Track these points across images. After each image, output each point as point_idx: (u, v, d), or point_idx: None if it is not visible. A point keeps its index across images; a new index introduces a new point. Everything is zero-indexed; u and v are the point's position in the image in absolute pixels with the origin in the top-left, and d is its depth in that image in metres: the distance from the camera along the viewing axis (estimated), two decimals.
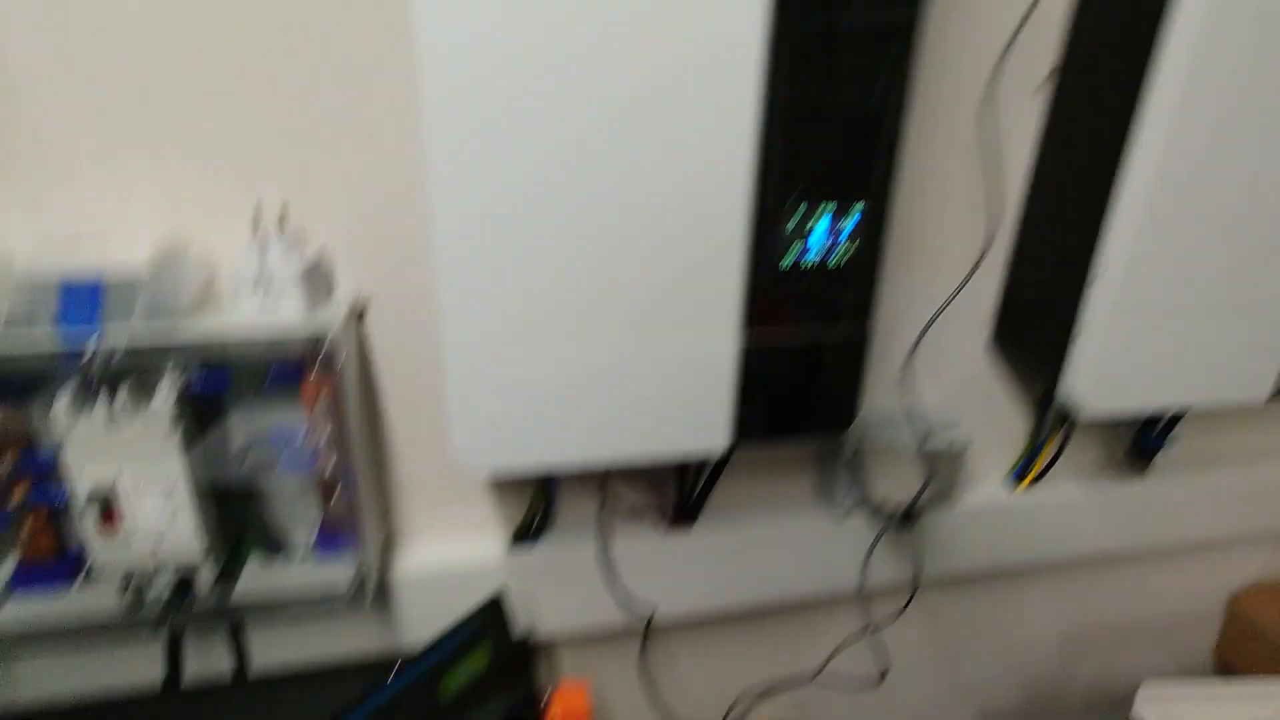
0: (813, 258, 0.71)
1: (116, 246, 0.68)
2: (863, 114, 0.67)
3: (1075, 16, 0.81)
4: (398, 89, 0.70)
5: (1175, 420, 1.06)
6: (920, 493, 0.89)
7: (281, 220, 0.71)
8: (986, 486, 1.06)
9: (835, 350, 0.76)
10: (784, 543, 0.97)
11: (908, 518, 0.97)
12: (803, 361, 0.75)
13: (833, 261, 0.72)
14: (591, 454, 0.74)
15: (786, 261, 0.71)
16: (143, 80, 0.66)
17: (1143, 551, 1.14)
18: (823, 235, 0.71)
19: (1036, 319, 0.90)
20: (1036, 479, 1.05)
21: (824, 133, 0.67)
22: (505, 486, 0.89)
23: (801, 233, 0.70)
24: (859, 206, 0.70)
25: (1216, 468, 1.11)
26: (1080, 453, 1.08)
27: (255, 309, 0.69)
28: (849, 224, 0.71)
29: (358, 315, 0.78)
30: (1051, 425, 1.01)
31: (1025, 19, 0.78)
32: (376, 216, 0.75)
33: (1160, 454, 1.07)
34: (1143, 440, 1.06)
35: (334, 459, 0.75)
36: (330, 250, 0.75)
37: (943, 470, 0.95)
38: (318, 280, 0.72)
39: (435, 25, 0.57)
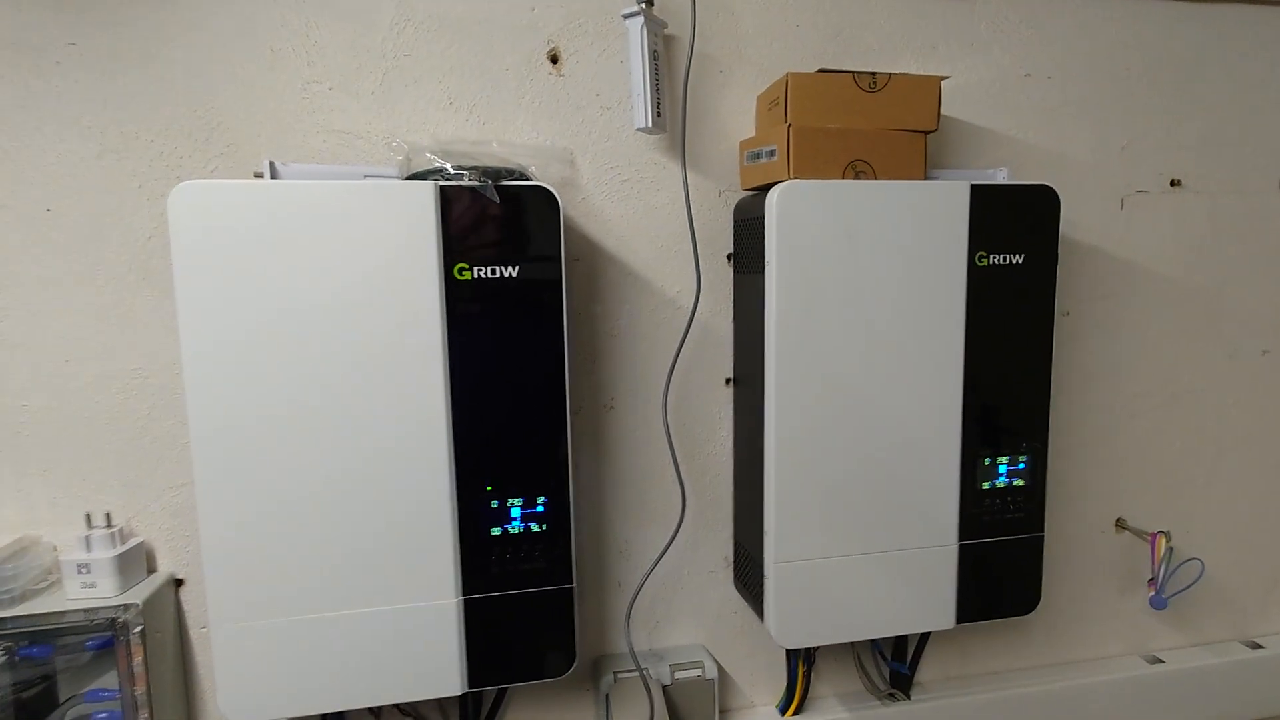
0: (516, 527, 0.92)
1: None
2: (533, 428, 0.91)
3: (735, 338, 1.10)
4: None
5: (922, 645, 1.21)
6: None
7: (107, 521, 0.93)
8: (759, 715, 1.18)
9: (545, 603, 0.94)
10: None
11: None
12: (519, 614, 0.93)
13: (534, 530, 0.93)
14: (340, 702, 0.90)
15: (495, 531, 0.92)
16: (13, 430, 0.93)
17: None
18: (518, 518, 0.92)
19: (748, 566, 1.09)
20: (799, 708, 1.18)
21: (502, 445, 0.91)
22: None
23: (503, 514, 0.92)
24: (541, 499, 0.92)
25: (972, 687, 1.23)
26: (845, 680, 1.22)
27: (78, 588, 0.90)
28: (538, 509, 0.92)
29: (175, 588, 0.99)
30: (800, 657, 1.16)
31: (683, 341, 1.06)
32: (184, 518, 0.97)
33: (913, 677, 1.21)
34: (890, 666, 1.20)
35: (148, 713, 0.92)
36: (152, 541, 0.97)
37: (691, 700, 1.09)
38: (133, 565, 0.93)
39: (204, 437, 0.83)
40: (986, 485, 1.05)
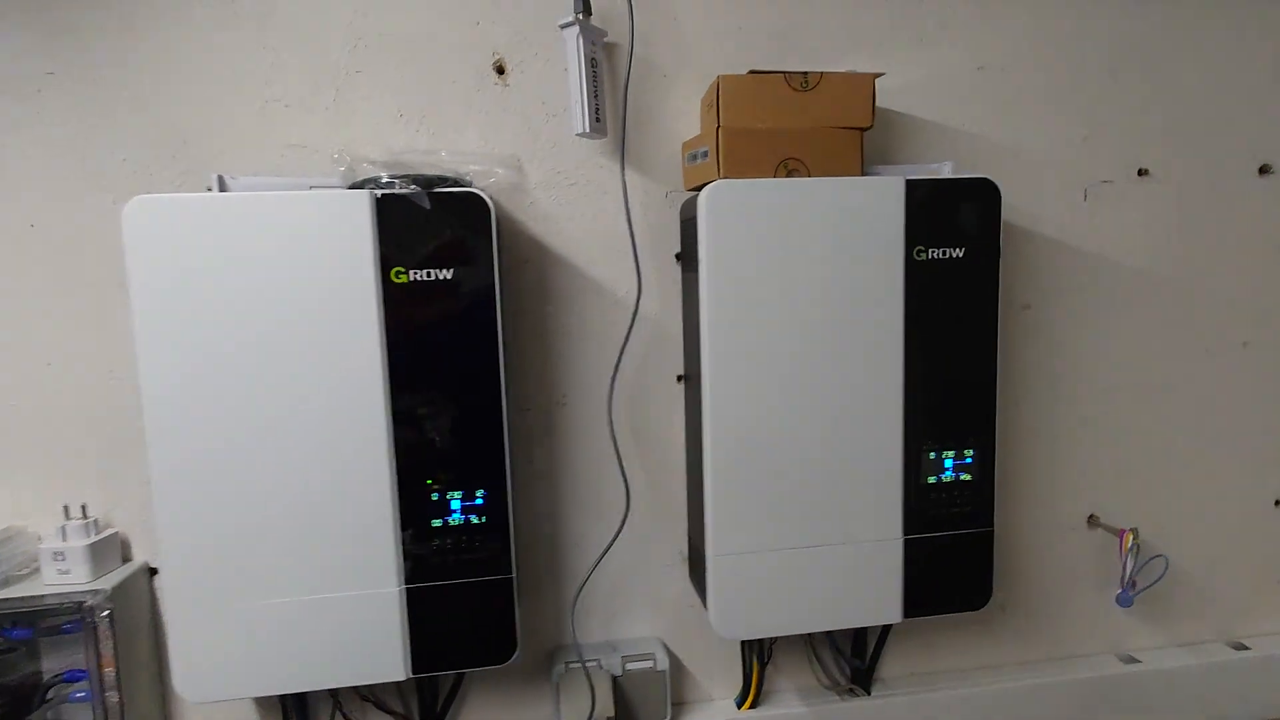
0: (457, 519, 0.96)
1: None
2: (471, 423, 0.95)
3: (684, 335, 1.12)
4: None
5: (882, 640, 1.21)
6: (591, 712, 1.05)
7: (83, 512, 1.00)
8: (715, 709, 1.20)
9: (486, 593, 0.98)
10: None
11: None
12: (460, 603, 0.97)
13: (474, 521, 0.96)
14: (289, 684, 0.95)
15: (436, 523, 0.96)
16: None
17: None
18: (458, 510, 0.96)
19: (697, 559, 1.11)
20: (755, 701, 1.19)
21: (441, 439, 0.95)
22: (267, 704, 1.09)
23: (443, 506, 0.96)
24: (480, 492, 0.96)
25: (936, 684, 1.23)
26: (805, 674, 1.23)
27: (54, 575, 0.97)
28: (477, 502, 0.96)
29: (150, 576, 1.05)
30: (753, 650, 1.17)
31: (626, 339, 1.08)
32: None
33: (874, 672, 1.21)
34: (846, 661, 1.20)
35: (116, 695, 0.98)
36: (128, 532, 1.04)
37: (644, 691, 1.11)
38: (106, 554, 1.00)
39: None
40: (932, 480, 1.05)
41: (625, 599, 1.18)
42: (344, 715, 1.08)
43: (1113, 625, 1.29)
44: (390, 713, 1.10)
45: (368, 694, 1.09)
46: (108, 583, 0.98)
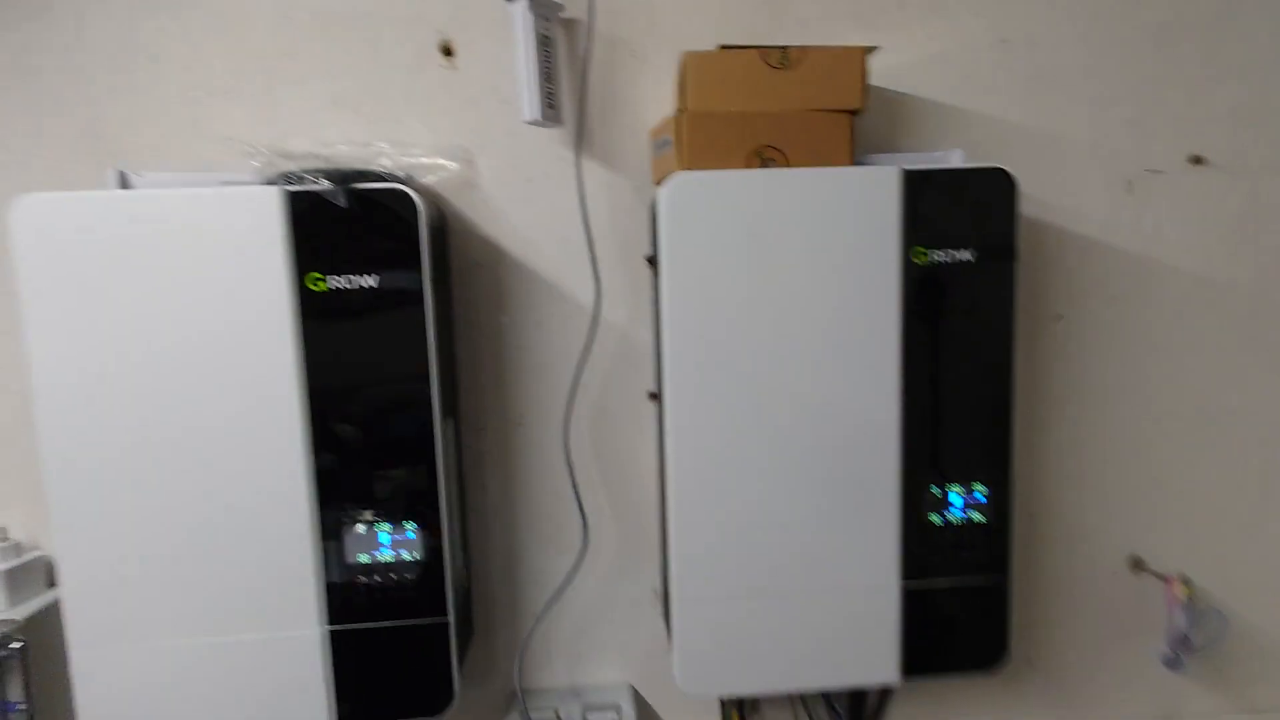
0: (386, 554, 0.86)
1: None
2: (399, 448, 0.85)
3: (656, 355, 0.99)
4: None
5: (884, 699, 1.07)
6: None
7: (3, 535, 0.93)
8: None
9: (419, 637, 0.87)
10: None
11: None
12: (389, 648, 0.87)
13: (405, 558, 0.86)
14: None
15: (363, 559, 0.86)
16: None
17: None
18: (387, 544, 0.86)
19: (667, 600, 0.98)
20: None
21: (367, 467, 0.85)
22: None
23: (371, 542, 0.86)
24: (411, 525, 0.85)
25: None
26: None
27: None
28: (408, 536, 0.86)
29: None
30: (733, 704, 1.05)
31: (584, 353, 0.96)
32: None
33: None
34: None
35: None
36: (53, 555, 0.97)
37: None
38: (27, 580, 0.93)
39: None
40: (936, 520, 0.90)
41: (592, 640, 1.06)
42: None
43: (1159, 686, 1.12)
44: None
45: None
46: (22, 612, 0.91)
